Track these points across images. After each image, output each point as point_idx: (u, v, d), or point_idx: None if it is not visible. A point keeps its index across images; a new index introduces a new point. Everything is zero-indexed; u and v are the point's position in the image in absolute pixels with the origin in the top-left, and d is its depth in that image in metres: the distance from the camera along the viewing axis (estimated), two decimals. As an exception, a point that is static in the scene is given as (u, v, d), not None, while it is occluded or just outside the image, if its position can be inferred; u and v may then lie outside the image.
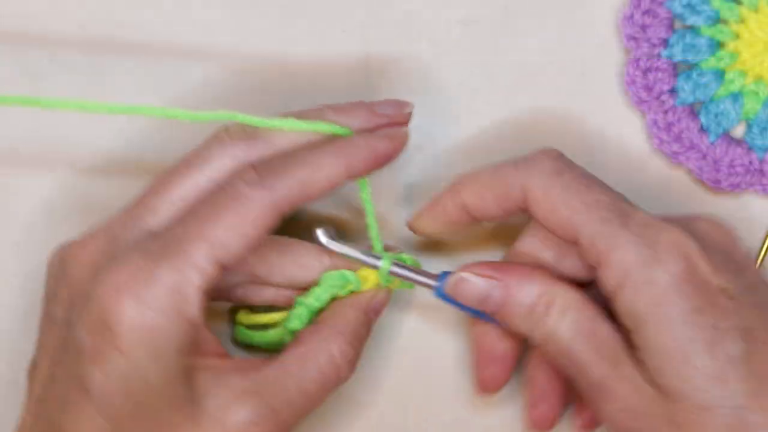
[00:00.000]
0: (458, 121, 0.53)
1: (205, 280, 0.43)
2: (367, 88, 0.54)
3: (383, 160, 0.47)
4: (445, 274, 0.48)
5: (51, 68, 0.53)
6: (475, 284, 0.47)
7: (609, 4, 0.53)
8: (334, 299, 0.49)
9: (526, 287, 0.46)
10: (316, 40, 0.53)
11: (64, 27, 0.53)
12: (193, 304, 0.43)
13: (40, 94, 0.53)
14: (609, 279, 0.44)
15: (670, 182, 0.53)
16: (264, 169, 0.45)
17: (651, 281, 0.43)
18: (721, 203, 0.53)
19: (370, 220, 0.49)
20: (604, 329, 0.45)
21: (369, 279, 0.49)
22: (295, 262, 0.49)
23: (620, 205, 0.45)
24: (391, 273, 0.49)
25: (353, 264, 0.49)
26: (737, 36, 0.52)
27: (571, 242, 0.46)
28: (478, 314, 0.48)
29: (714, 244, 0.45)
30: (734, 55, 0.52)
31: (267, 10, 0.54)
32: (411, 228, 0.50)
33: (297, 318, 0.49)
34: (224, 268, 0.44)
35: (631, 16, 0.53)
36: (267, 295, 0.50)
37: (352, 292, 0.49)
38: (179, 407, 0.43)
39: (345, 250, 0.49)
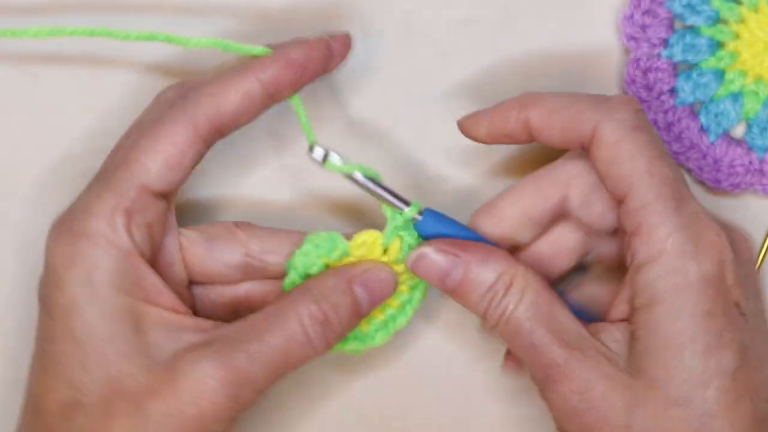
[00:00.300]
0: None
1: (127, 202, 0.44)
2: (367, 88, 0.54)
3: (300, 70, 0.47)
4: (428, 211, 0.48)
5: (51, 68, 0.53)
6: (435, 262, 0.47)
7: (609, 4, 0.53)
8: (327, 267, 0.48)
9: (486, 266, 0.46)
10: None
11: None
12: (118, 227, 0.44)
13: (40, 93, 0.53)
14: (641, 251, 0.44)
15: (670, 182, 0.53)
16: (180, 94, 0.46)
17: (681, 271, 0.43)
18: (721, 203, 0.53)
19: (307, 129, 0.48)
20: (563, 314, 0.46)
21: (366, 244, 0.48)
22: (290, 240, 0.48)
23: (680, 186, 0.45)
24: (365, 187, 0.47)
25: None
26: (737, 36, 0.52)
27: (615, 197, 0.45)
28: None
29: (742, 259, 0.46)
30: (734, 55, 0.52)
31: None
32: (461, 125, 0.49)
33: (290, 284, 0.48)
34: (150, 191, 0.45)
35: (631, 16, 0.53)
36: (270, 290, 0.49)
37: (343, 262, 0.48)
38: (128, 356, 0.43)
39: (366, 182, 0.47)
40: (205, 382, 0.43)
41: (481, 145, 0.53)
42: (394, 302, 0.49)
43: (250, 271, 0.49)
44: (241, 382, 0.43)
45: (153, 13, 0.53)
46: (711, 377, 0.43)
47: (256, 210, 0.53)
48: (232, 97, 0.46)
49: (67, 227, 0.44)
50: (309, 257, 0.47)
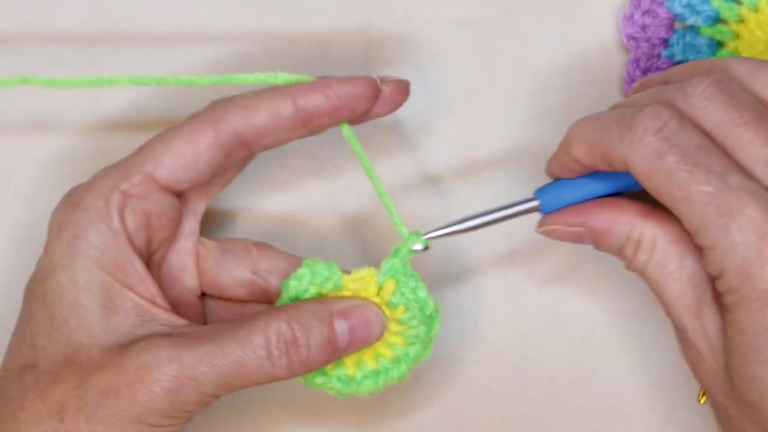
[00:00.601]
0: (458, 121, 0.53)
1: (127, 185, 0.45)
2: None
3: (338, 103, 0.46)
4: (539, 191, 0.47)
5: (51, 68, 0.53)
6: (565, 233, 0.46)
7: (609, 4, 0.54)
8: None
9: (612, 231, 0.45)
10: (315, 44, 0.53)
11: (64, 26, 0.53)
12: (112, 206, 0.45)
13: (41, 94, 0.53)
14: (708, 269, 0.42)
15: (670, 182, 0.53)
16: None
17: (739, 290, 0.41)
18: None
19: (370, 174, 0.47)
20: (688, 273, 0.44)
21: (362, 280, 0.46)
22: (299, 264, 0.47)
23: (725, 199, 0.41)
24: (484, 222, 0.46)
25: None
26: (737, 36, 0.52)
27: None
28: None
29: None
30: (734, 55, 0.52)
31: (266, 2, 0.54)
32: (547, 173, 0.48)
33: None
34: (157, 182, 0.45)
35: (631, 16, 0.53)
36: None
37: (336, 294, 0.46)
38: (90, 330, 0.44)
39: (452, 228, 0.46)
40: (147, 369, 0.43)
41: (484, 146, 0.53)
42: (388, 353, 0.47)
43: (255, 291, 0.49)
44: (185, 379, 0.43)
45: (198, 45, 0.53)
46: None
47: (296, 230, 0.54)
48: (262, 112, 0.45)
49: (68, 199, 0.46)
50: (302, 282, 0.46)
